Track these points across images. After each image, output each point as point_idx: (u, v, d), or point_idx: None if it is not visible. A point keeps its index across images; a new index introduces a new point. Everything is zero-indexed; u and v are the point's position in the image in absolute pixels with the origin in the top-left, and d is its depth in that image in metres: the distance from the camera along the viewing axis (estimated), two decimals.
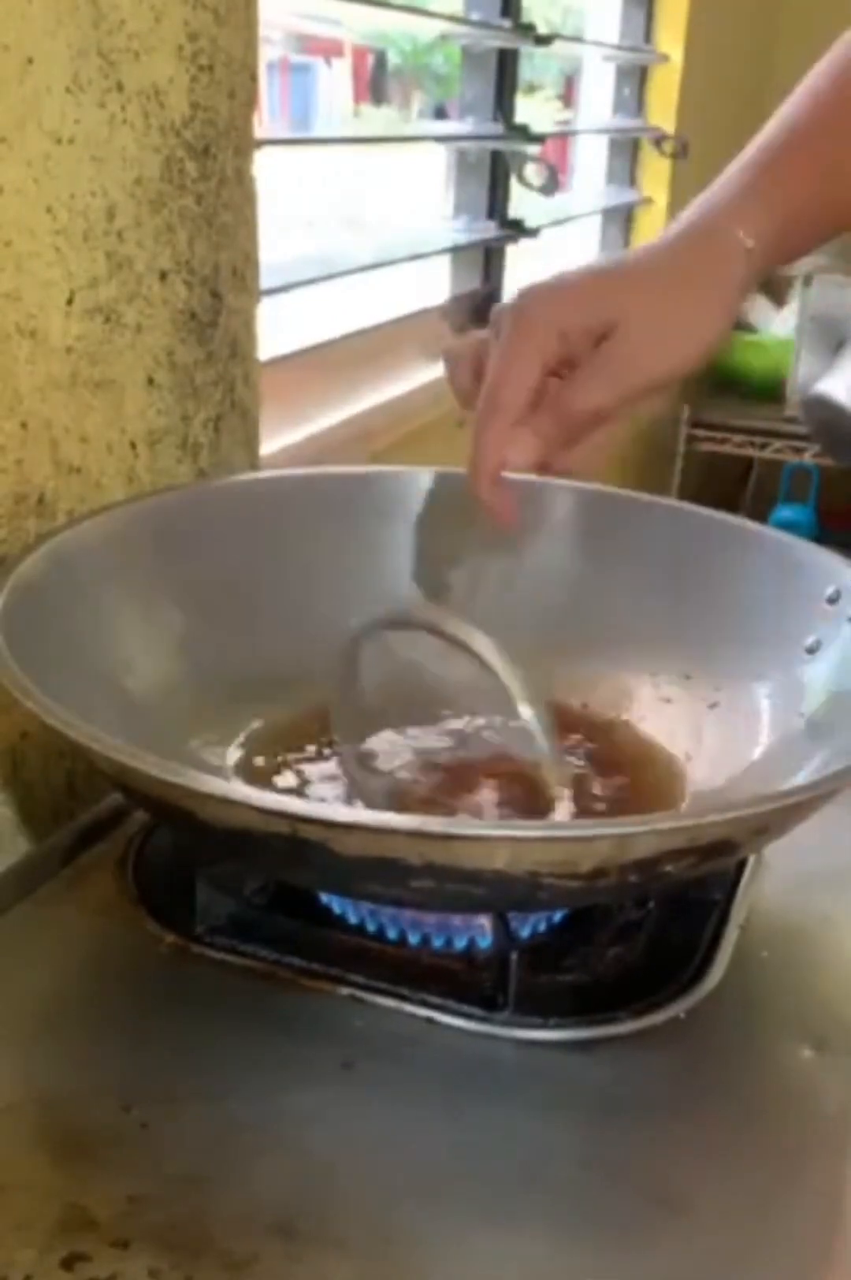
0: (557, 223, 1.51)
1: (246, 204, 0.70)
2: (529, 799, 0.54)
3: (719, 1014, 0.47)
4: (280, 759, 0.58)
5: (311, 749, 0.59)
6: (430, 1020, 0.46)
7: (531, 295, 0.51)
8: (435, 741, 0.59)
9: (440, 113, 2.15)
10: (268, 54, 1.12)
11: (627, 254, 0.54)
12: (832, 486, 2.15)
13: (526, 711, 0.52)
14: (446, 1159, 0.41)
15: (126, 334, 0.62)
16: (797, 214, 0.53)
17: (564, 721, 0.61)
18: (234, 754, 0.58)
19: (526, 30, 1.30)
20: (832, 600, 0.57)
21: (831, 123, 0.54)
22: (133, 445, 0.63)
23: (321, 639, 0.62)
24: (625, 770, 0.58)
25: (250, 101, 0.69)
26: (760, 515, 1.82)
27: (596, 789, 0.57)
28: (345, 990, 0.48)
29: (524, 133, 1.32)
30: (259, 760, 0.58)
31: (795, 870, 0.56)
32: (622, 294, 0.51)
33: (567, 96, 2.11)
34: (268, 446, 0.79)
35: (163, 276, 0.64)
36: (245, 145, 0.69)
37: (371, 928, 0.50)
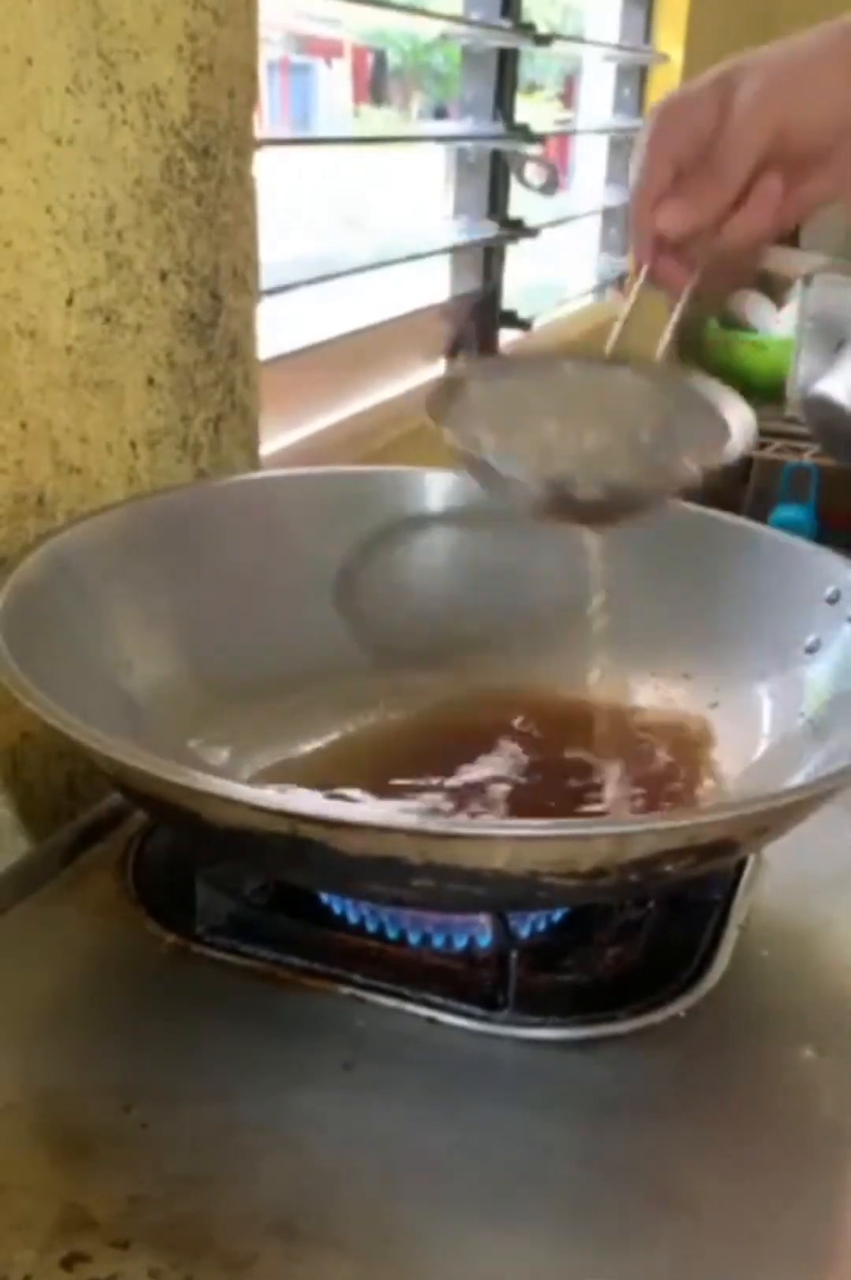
0: (558, 222, 1.51)
1: (246, 204, 0.70)
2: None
3: (719, 1014, 0.47)
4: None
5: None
6: (431, 1020, 0.46)
7: (662, 106, 0.52)
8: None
9: (440, 113, 2.15)
10: (268, 54, 1.12)
11: (768, 47, 0.54)
12: (832, 486, 2.15)
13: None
14: (446, 1159, 0.41)
15: (126, 334, 0.62)
16: None
17: (565, 720, 0.61)
18: (227, 753, 0.58)
19: (526, 30, 1.29)
20: (832, 600, 0.57)
21: None
22: (133, 445, 0.64)
23: (321, 639, 0.62)
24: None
25: (250, 102, 0.69)
26: (760, 515, 1.82)
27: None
28: (345, 990, 0.48)
29: (524, 133, 1.32)
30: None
31: (795, 870, 0.56)
32: (754, 73, 0.51)
33: (567, 96, 2.11)
34: (268, 446, 0.79)
35: (163, 277, 0.64)
36: (245, 145, 0.69)
37: (372, 928, 0.50)
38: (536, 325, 1.41)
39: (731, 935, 0.51)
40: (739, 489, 2.32)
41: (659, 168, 0.52)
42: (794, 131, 0.50)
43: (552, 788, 0.56)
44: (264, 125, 0.75)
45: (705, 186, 0.51)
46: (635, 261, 0.54)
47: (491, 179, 1.32)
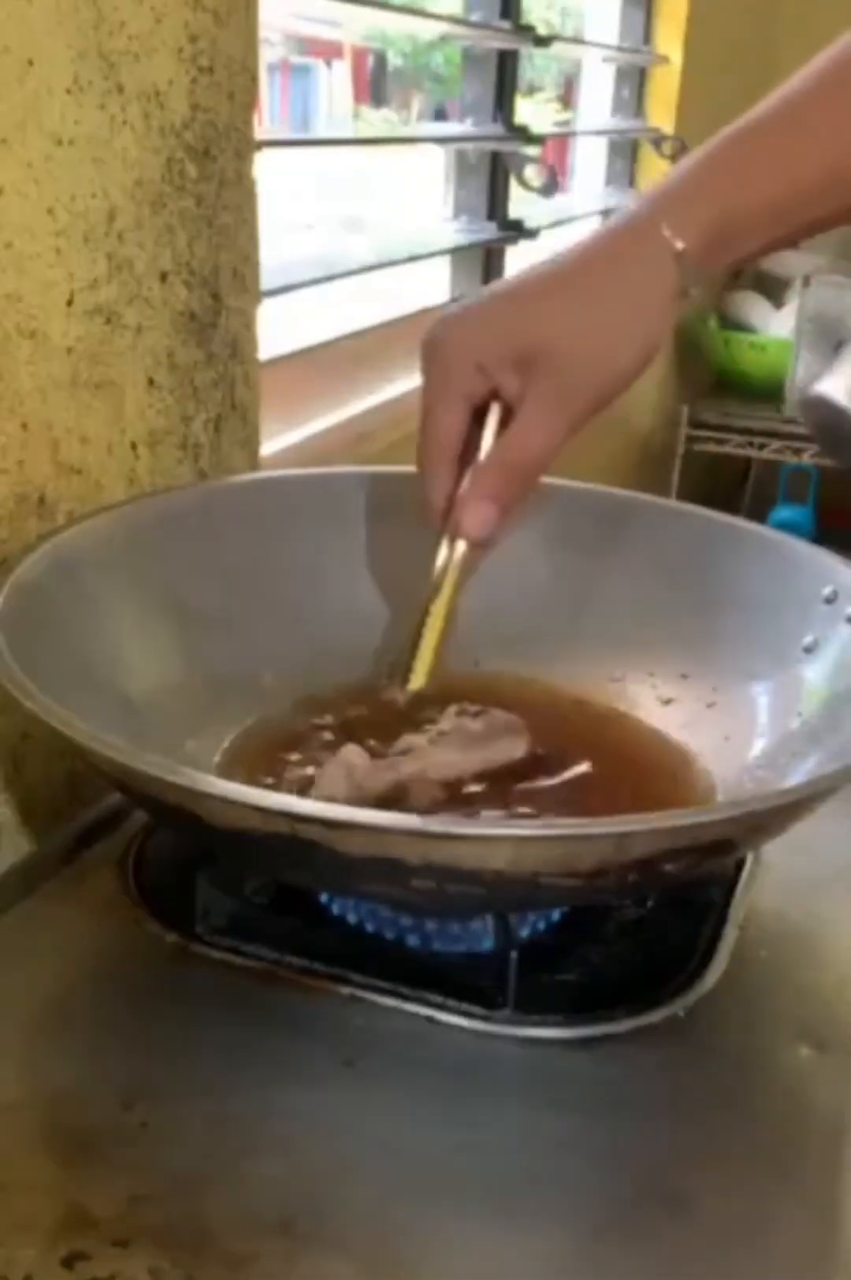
0: (557, 224, 1.51)
1: (246, 205, 0.70)
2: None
3: (718, 1013, 0.48)
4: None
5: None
6: (431, 1019, 0.47)
7: (444, 328, 0.49)
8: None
9: (440, 114, 2.15)
10: (268, 56, 1.12)
11: (546, 263, 0.49)
12: (831, 487, 2.15)
13: None
14: (446, 1158, 0.41)
15: (127, 335, 0.62)
16: (741, 211, 0.48)
17: (564, 718, 0.61)
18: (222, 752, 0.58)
19: (526, 31, 1.30)
20: (830, 600, 0.57)
21: (792, 114, 0.50)
22: (133, 446, 0.64)
23: (321, 639, 0.62)
24: (632, 761, 0.59)
25: (250, 103, 0.69)
26: (759, 515, 1.82)
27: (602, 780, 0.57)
28: (345, 989, 0.48)
29: (523, 134, 1.32)
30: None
31: (793, 869, 0.56)
32: (541, 313, 0.47)
33: (567, 98, 2.11)
34: (268, 447, 0.79)
35: (163, 278, 0.64)
36: (245, 147, 0.69)
37: (371, 927, 0.50)
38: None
39: (730, 935, 0.51)
40: (738, 489, 2.33)
41: (455, 420, 0.48)
42: (607, 399, 0.48)
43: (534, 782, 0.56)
44: (264, 126, 0.75)
45: (513, 478, 0.48)
46: (431, 522, 0.51)
47: (491, 180, 1.33)
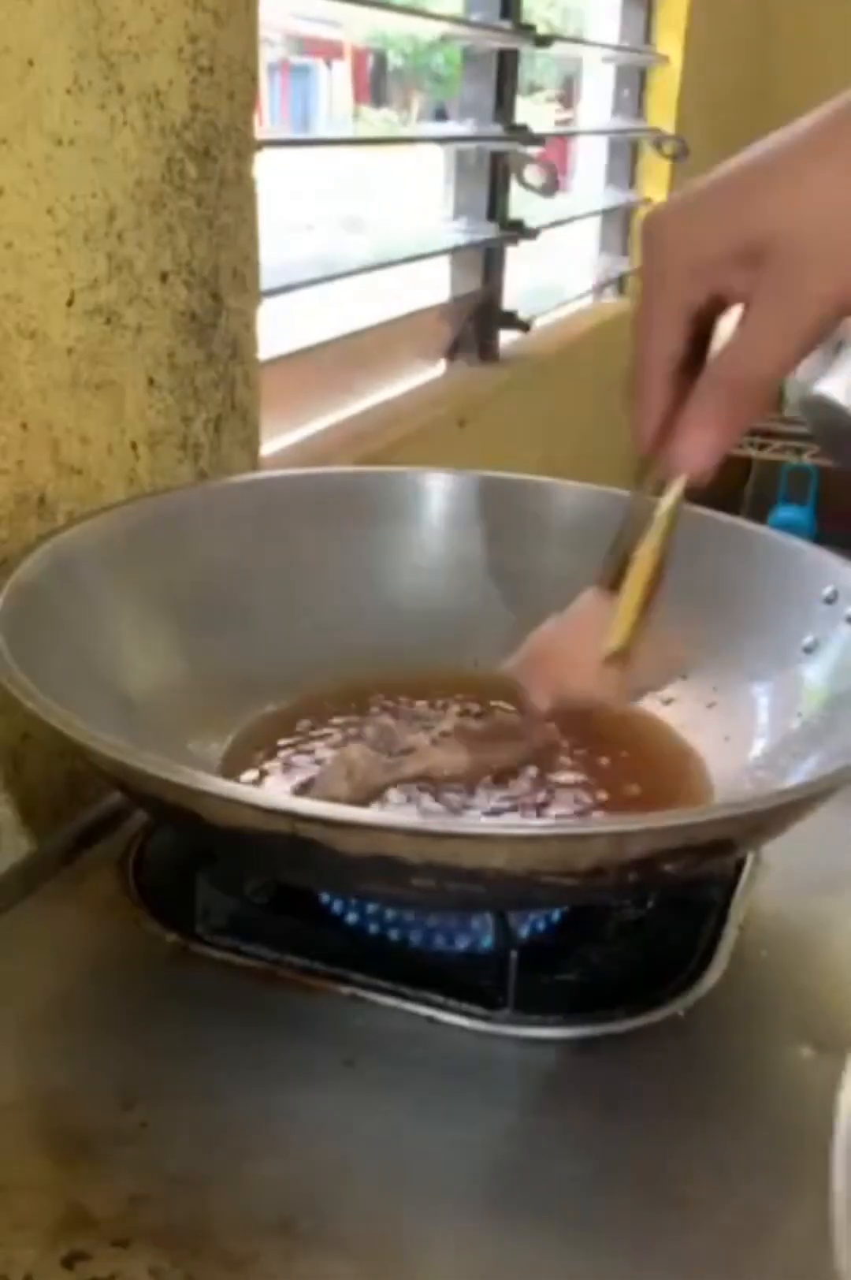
0: (557, 224, 1.51)
1: (247, 205, 0.70)
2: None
3: (717, 1013, 0.48)
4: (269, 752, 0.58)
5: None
6: (431, 1019, 0.47)
7: (660, 222, 0.42)
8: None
9: (440, 114, 2.16)
10: (268, 56, 1.12)
11: (783, 134, 0.41)
12: (831, 487, 2.15)
13: None
14: (446, 1158, 0.41)
15: (127, 335, 0.62)
16: None
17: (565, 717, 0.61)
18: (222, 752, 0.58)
19: (526, 31, 1.30)
20: (830, 600, 0.57)
21: None
22: (133, 446, 0.64)
23: (321, 639, 0.62)
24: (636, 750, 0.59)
25: (250, 103, 0.69)
26: (759, 515, 1.82)
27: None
28: (346, 989, 0.48)
29: (524, 134, 1.32)
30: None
31: (793, 870, 0.56)
32: (772, 199, 0.39)
33: (567, 98, 2.11)
34: (267, 446, 0.79)
35: (163, 278, 0.64)
36: (245, 147, 0.69)
37: (372, 927, 0.50)
38: (536, 326, 1.42)
39: (730, 935, 0.51)
40: (738, 489, 2.33)
41: (671, 333, 0.42)
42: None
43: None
44: (264, 126, 0.75)
45: (739, 398, 0.42)
46: (641, 448, 0.44)
47: (491, 180, 1.33)
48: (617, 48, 1.81)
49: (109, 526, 0.58)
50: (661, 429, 0.44)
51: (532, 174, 1.28)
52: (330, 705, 0.61)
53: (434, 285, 1.32)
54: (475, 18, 1.27)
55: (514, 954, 0.47)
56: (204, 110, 0.65)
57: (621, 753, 0.59)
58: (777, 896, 0.55)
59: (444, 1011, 0.47)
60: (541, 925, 0.50)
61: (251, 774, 0.56)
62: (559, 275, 1.78)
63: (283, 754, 0.58)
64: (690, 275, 0.41)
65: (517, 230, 1.34)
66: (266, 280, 0.74)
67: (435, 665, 0.64)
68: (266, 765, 0.57)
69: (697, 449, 0.43)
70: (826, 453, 1.76)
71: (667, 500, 0.45)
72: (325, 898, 0.51)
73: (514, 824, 0.50)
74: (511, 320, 1.37)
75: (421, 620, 0.65)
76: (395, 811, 0.52)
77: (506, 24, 1.28)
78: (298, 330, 0.99)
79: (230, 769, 0.57)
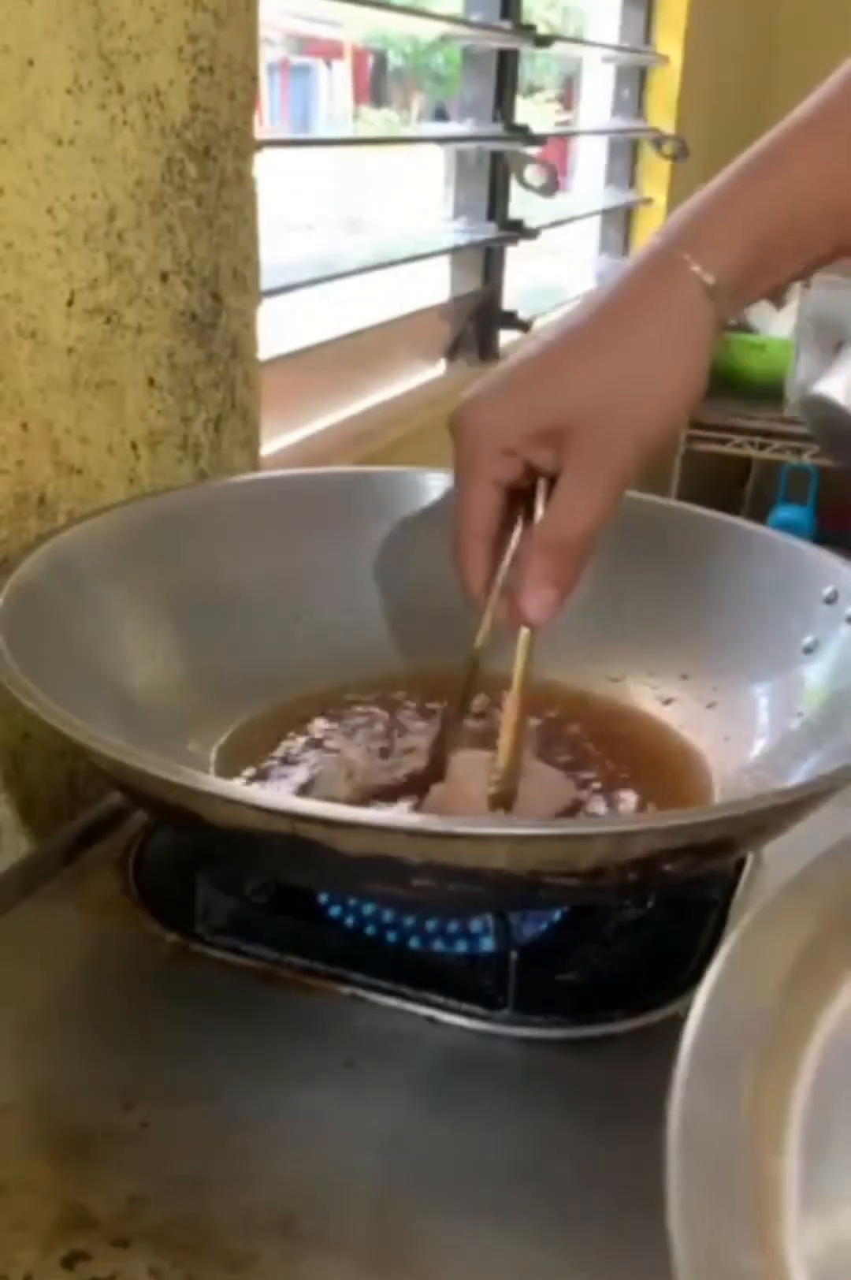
0: (557, 224, 1.51)
1: (247, 205, 0.70)
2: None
3: None
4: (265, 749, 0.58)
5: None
6: (431, 1019, 0.47)
7: (467, 413, 0.46)
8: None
9: (440, 114, 2.15)
10: (268, 56, 1.12)
11: (567, 320, 0.46)
12: (831, 487, 2.15)
13: None
14: (446, 1158, 0.41)
15: (127, 335, 0.62)
16: (778, 231, 0.44)
17: (565, 718, 0.61)
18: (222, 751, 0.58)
19: (526, 31, 1.30)
20: (830, 600, 0.57)
21: (837, 119, 0.45)
22: (133, 446, 0.64)
23: (321, 639, 0.62)
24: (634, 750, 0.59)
25: (250, 103, 0.69)
26: (759, 515, 1.82)
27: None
28: (346, 989, 0.48)
29: (524, 134, 1.32)
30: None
31: (793, 869, 0.56)
32: (566, 383, 0.45)
33: (567, 98, 2.11)
34: (268, 446, 0.79)
35: (163, 278, 0.64)
36: (246, 147, 0.69)
37: (372, 928, 0.50)
38: (536, 326, 1.42)
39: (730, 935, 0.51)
40: (738, 489, 2.33)
41: (485, 508, 0.47)
42: (645, 460, 0.45)
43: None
44: (264, 126, 0.75)
45: (563, 558, 0.46)
46: (474, 603, 0.49)
47: (491, 180, 1.33)
48: (617, 48, 1.81)
49: (109, 526, 0.58)
50: (487, 583, 0.49)
51: (532, 174, 1.28)
52: (330, 705, 0.61)
53: (434, 285, 1.32)
54: (475, 18, 1.27)
55: (514, 954, 0.47)
56: (204, 110, 0.65)
57: (622, 753, 0.59)
58: None
59: (444, 1012, 0.47)
60: (541, 925, 0.50)
61: (251, 774, 0.56)
62: (559, 275, 1.78)
63: (283, 754, 0.58)
64: (501, 455, 0.46)
65: (517, 230, 1.35)
66: (266, 280, 0.74)
67: (435, 665, 0.64)
68: (266, 765, 0.57)
69: (541, 606, 0.47)
70: (826, 453, 1.76)
71: (520, 655, 0.49)
72: (325, 898, 0.51)
73: (514, 824, 0.50)
74: (511, 320, 1.38)
75: (421, 620, 0.65)
76: (395, 811, 0.52)
77: (506, 24, 1.28)
78: (298, 330, 0.99)
79: (230, 769, 0.57)
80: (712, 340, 0.45)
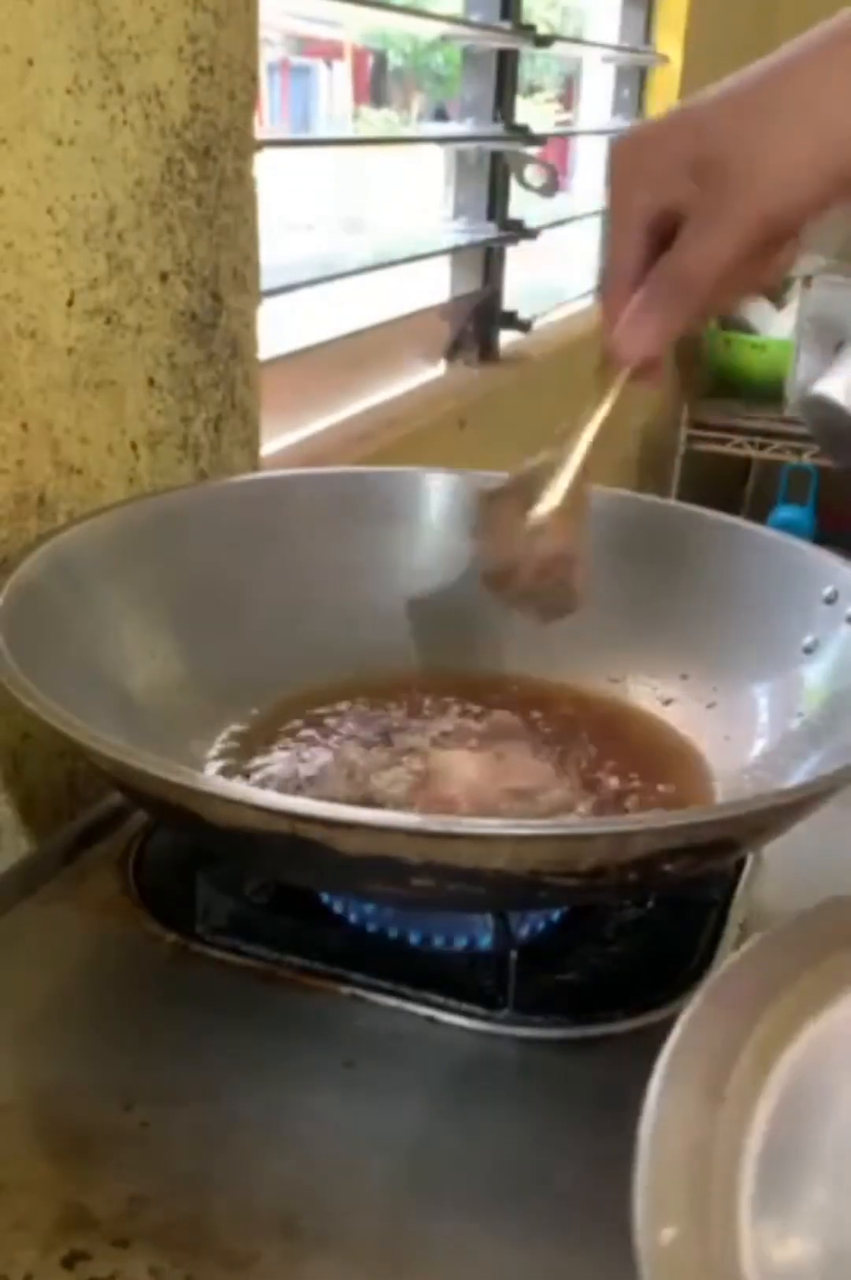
0: (558, 224, 1.51)
1: (247, 205, 0.70)
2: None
3: None
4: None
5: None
6: (431, 1019, 0.47)
7: (628, 134, 0.46)
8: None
9: (440, 114, 2.15)
10: (268, 56, 1.12)
11: (746, 70, 0.44)
12: (831, 487, 2.15)
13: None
14: (446, 1158, 0.41)
15: (127, 335, 0.62)
16: None
17: (565, 718, 0.61)
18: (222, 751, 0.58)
19: (526, 31, 1.30)
20: (830, 600, 0.57)
21: None
22: (133, 446, 0.64)
23: (321, 639, 0.62)
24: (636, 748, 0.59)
25: (250, 103, 0.69)
26: (759, 515, 1.82)
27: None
28: (346, 989, 0.48)
29: (524, 134, 1.32)
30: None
31: (793, 870, 0.56)
32: (722, 126, 0.43)
33: (567, 98, 2.11)
34: (268, 446, 0.79)
35: (163, 278, 0.64)
36: (245, 147, 0.69)
37: (372, 927, 0.50)
38: (536, 326, 1.42)
39: (730, 935, 0.51)
40: (738, 489, 2.33)
41: (631, 240, 0.46)
42: (779, 218, 0.43)
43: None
44: (264, 126, 0.75)
45: (675, 292, 0.45)
46: (611, 360, 0.48)
47: (491, 180, 1.33)
48: (617, 48, 1.81)
49: (109, 526, 0.58)
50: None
51: (532, 174, 1.28)
52: (329, 705, 0.61)
53: (434, 285, 1.32)
54: (475, 18, 1.27)
55: (514, 954, 0.47)
56: (204, 110, 0.65)
57: (622, 752, 0.59)
58: (777, 896, 0.55)
59: (444, 1012, 0.47)
60: (541, 925, 0.50)
61: (251, 773, 0.56)
62: (559, 275, 1.78)
63: (283, 753, 0.58)
64: (647, 188, 0.45)
65: (517, 230, 1.34)
66: (266, 280, 0.74)
67: (435, 665, 0.64)
68: (266, 765, 0.57)
69: (637, 333, 0.46)
70: (826, 453, 1.76)
71: (610, 397, 0.48)
72: (325, 898, 0.51)
73: (514, 824, 0.50)
74: (511, 320, 1.38)
75: (421, 620, 0.65)
76: (395, 812, 0.52)
77: (506, 24, 1.28)
78: (298, 330, 0.99)
79: (230, 768, 0.57)
80: None
